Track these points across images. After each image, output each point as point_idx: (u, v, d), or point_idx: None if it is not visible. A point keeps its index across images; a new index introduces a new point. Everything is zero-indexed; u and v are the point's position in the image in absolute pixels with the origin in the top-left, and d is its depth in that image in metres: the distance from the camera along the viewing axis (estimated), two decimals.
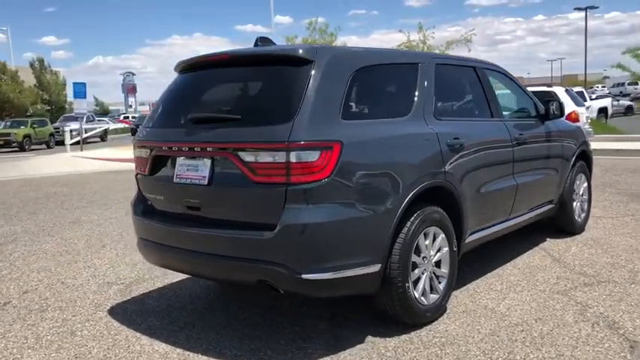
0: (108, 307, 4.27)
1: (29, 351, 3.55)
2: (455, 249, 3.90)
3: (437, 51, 21.69)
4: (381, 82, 3.71)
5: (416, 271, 3.59)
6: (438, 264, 3.80)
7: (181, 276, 4.93)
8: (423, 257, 3.65)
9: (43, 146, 31.41)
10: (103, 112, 76.40)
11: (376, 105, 3.65)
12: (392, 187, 3.38)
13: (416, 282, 3.60)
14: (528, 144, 4.87)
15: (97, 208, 8.90)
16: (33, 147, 30.15)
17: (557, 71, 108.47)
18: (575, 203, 5.80)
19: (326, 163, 3.06)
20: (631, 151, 13.39)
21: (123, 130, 46.68)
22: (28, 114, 43.93)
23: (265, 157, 3.09)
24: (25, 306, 4.39)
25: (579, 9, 48.36)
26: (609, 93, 42.83)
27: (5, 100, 45.18)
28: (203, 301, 4.35)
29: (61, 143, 29.31)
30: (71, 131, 25.87)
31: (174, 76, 4.01)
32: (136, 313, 4.13)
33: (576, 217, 5.86)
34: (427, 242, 3.68)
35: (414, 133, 3.66)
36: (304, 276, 3.08)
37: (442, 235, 3.79)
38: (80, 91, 24.21)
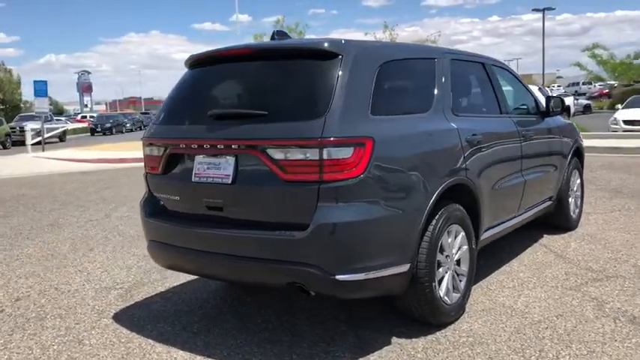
0: (112, 314, 4.07)
1: None
2: (474, 246, 3.85)
3: None
4: (403, 77, 3.63)
5: (440, 270, 3.53)
6: (458, 262, 3.74)
7: (182, 279, 4.76)
8: (447, 256, 3.59)
9: None
10: (57, 111, 74.30)
11: (400, 100, 3.58)
12: (421, 185, 3.31)
13: (440, 281, 3.54)
14: (533, 140, 4.87)
15: (73, 210, 8.55)
16: None
17: None
18: (570, 199, 5.86)
19: (359, 160, 2.96)
20: (599, 149, 13.70)
21: (82, 130, 45.52)
22: None
23: (296, 154, 2.97)
24: (20, 314, 4.14)
25: (537, 10, 49.46)
26: (568, 92, 44.02)
27: None
28: (211, 305, 4.19)
29: (19, 144, 28.29)
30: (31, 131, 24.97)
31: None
32: (143, 319, 3.94)
33: (571, 214, 5.92)
34: (450, 240, 3.62)
35: (439, 130, 3.60)
36: (338, 277, 2.98)
37: (462, 233, 3.74)
38: (41, 89, 23.38)
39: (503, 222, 4.50)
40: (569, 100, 27.38)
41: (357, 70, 3.17)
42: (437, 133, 3.58)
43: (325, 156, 2.91)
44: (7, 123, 33.34)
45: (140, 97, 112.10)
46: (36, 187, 11.74)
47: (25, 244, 6.38)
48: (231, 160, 3.22)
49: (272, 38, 3.65)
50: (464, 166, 3.70)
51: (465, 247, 3.78)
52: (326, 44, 3.22)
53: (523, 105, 5.18)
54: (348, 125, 2.99)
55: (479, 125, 4.06)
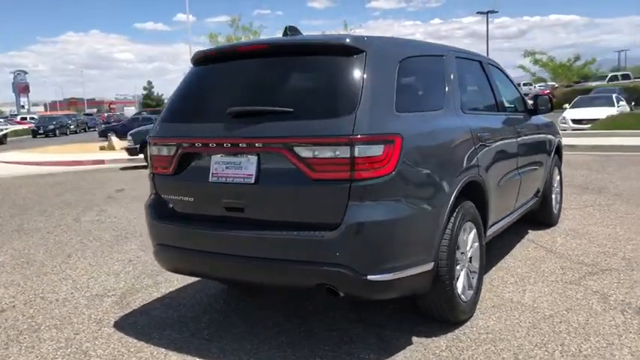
0: (112, 322, 3.88)
1: None
2: (483, 243, 3.87)
3: None
4: (420, 74, 3.60)
5: (457, 267, 3.52)
6: (470, 259, 3.75)
7: (176, 284, 4.60)
8: (462, 253, 3.59)
9: None
10: None
11: (419, 97, 3.55)
12: (445, 182, 3.30)
13: (457, 279, 3.53)
14: (526, 138, 4.95)
15: (37, 215, 8.16)
16: None
17: None
18: (553, 196, 5.99)
19: (389, 158, 2.91)
20: None
21: (23, 132, 43.68)
22: None
23: (326, 152, 2.89)
24: (11, 326, 3.89)
25: (481, 12, 50.70)
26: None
27: None
28: (215, 310, 4.05)
29: None
30: None
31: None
32: (148, 327, 3.76)
33: (554, 210, 6.06)
34: (464, 238, 3.62)
35: (456, 127, 3.60)
36: (370, 277, 2.92)
37: (474, 230, 3.75)
38: None
39: (504, 218, 4.55)
40: None
41: (382, 67, 3.12)
42: (455, 130, 3.58)
43: (357, 153, 2.84)
44: None
45: (82, 98, 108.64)
46: None
47: None
48: (253, 159, 3.10)
49: (284, 34, 3.55)
50: (477, 163, 3.71)
51: (477, 244, 3.79)
52: (348, 40, 3.16)
53: (513, 103, 5.26)
54: (377, 122, 2.94)
55: (484, 122, 4.09)
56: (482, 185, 3.79)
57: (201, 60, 3.62)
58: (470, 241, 3.71)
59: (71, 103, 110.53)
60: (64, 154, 20.15)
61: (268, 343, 3.43)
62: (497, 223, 4.38)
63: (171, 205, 3.50)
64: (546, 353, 3.18)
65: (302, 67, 3.24)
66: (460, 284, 3.55)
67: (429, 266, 3.20)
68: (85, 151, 21.67)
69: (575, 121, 19.33)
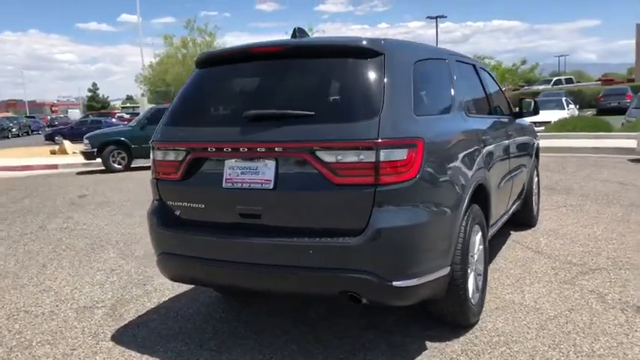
0: (109, 335, 3.69)
1: None
2: (487, 245, 3.89)
3: None
4: (430, 77, 3.58)
5: (468, 270, 3.52)
6: (476, 262, 3.76)
7: (168, 293, 4.45)
8: (471, 256, 3.59)
9: None
10: None
11: (431, 100, 3.53)
12: (460, 185, 3.29)
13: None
14: (516, 140, 5.03)
15: None
16: None
17: None
18: (533, 197, 6.11)
19: (413, 162, 2.88)
20: None
21: None
22: None
23: (350, 157, 2.83)
24: None
25: (431, 17, 51.66)
26: None
27: None
28: (217, 319, 3.91)
29: None
30: None
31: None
32: (149, 340, 3.60)
33: (534, 211, 6.18)
34: (473, 240, 3.62)
35: (465, 130, 3.61)
36: (395, 283, 2.87)
37: (480, 233, 3.76)
38: None
39: (500, 219, 4.60)
40: None
41: (400, 69, 3.09)
42: (465, 134, 3.59)
43: (382, 158, 2.79)
44: None
45: (22, 100, 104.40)
46: None
47: None
48: (270, 163, 3.00)
49: (293, 36, 3.46)
50: (482, 165, 3.73)
51: (481, 246, 3.81)
52: (364, 42, 3.10)
53: (502, 106, 5.33)
54: (401, 126, 2.90)
55: (484, 125, 4.13)
56: (486, 187, 3.81)
57: (209, 62, 3.49)
58: (477, 243, 3.72)
59: (9, 104, 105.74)
60: (11, 158, 19.29)
61: (280, 353, 3.34)
62: (495, 224, 4.42)
63: (177, 212, 3.35)
64: (561, 354, 3.21)
65: (319, 69, 3.16)
66: (470, 287, 3.55)
67: (446, 270, 3.18)
68: (32, 155, 20.85)
69: (533, 123, 19.90)
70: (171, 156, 3.32)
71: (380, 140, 2.79)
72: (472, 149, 3.62)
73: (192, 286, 4.48)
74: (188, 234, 3.27)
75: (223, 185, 3.11)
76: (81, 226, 7.37)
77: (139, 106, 46.70)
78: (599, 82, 49.07)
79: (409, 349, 3.34)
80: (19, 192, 11.04)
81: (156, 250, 3.47)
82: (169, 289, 4.53)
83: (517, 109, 5.51)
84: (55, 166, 16.16)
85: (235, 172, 3.09)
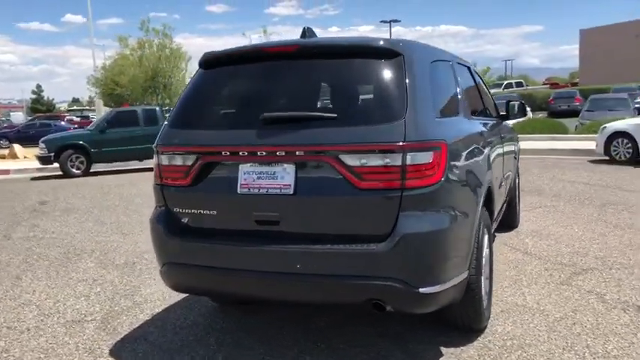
0: (106, 351, 3.49)
1: None
2: (492, 248, 3.87)
3: None
4: (441, 79, 3.52)
5: (482, 274, 3.48)
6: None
7: (160, 304, 4.25)
8: (483, 259, 3.56)
9: None
10: None
11: (445, 102, 3.47)
12: (477, 188, 3.26)
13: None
14: (507, 142, 5.06)
15: None
16: None
17: None
18: (516, 198, 6.18)
19: (438, 165, 2.81)
20: None
21: None
22: None
23: (375, 160, 2.74)
24: None
25: (384, 22, 52.17)
26: None
27: None
28: (218, 330, 3.74)
29: None
30: None
31: None
32: (151, 355, 3.41)
33: (517, 212, 6.25)
34: (482, 244, 3.59)
35: (475, 132, 3.58)
36: (422, 290, 2.79)
37: (487, 236, 3.73)
38: None
39: (496, 221, 4.60)
40: None
41: (419, 71, 3.02)
42: (476, 135, 3.57)
43: (408, 161, 2.72)
44: None
45: None
46: None
47: None
48: (290, 168, 2.88)
49: (302, 36, 3.34)
50: (489, 168, 3.71)
51: (487, 249, 3.78)
52: (383, 42, 3.02)
53: (490, 108, 5.34)
54: (425, 128, 2.83)
55: (486, 127, 4.12)
56: (492, 190, 3.80)
57: (216, 62, 3.33)
58: (485, 246, 3.69)
59: None
60: None
61: None
62: (493, 227, 4.42)
63: (185, 220, 3.18)
64: (577, 356, 3.21)
65: (336, 70, 3.06)
66: (483, 291, 3.52)
67: (465, 275, 3.13)
68: None
69: None
70: (178, 160, 3.15)
71: (406, 143, 2.72)
72: (483, 151, 3.60)
73: (185, 295, 4.30)
74: (198, 242, 3.11)
75: (238, 191, 2.96)
76: (49, 234, 7.02)
77: (88, 109, 45.31)
78: (547, 86, 50.72)
79: (425, 356, 3.28)
80: None
81: (160, 260, 3.29)
82: (160, 299, 4.34)
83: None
84: (7, 172, 15.48)
85: (251, 176, 2.95)
